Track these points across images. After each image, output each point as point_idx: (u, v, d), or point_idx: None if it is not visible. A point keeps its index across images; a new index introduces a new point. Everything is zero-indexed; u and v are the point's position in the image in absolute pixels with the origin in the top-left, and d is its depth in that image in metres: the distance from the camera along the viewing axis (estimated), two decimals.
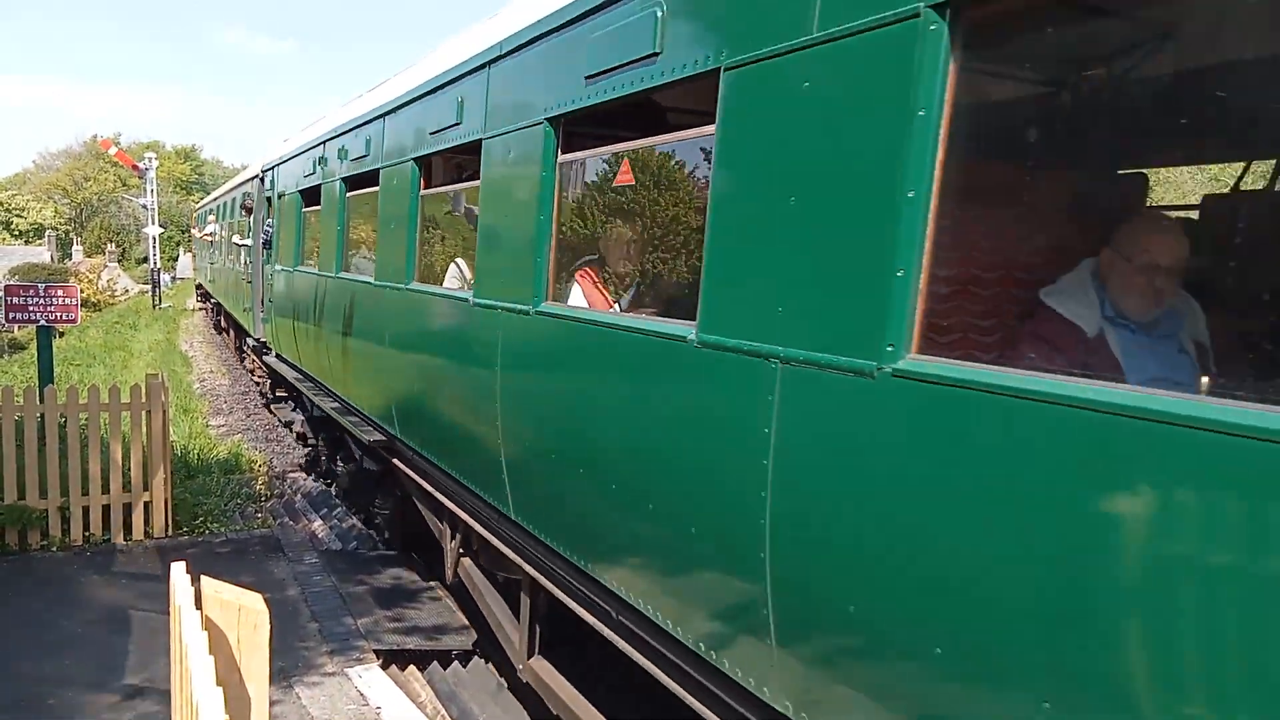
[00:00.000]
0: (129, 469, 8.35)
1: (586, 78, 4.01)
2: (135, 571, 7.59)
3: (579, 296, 4.64)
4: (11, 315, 10.49)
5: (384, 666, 6.35)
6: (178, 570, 3.62)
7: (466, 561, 6.62)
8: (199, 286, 37.57)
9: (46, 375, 10.15)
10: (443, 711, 6.19)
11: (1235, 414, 1.76)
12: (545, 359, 4.48)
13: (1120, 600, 1.95)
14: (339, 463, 10.10)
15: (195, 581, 3.36)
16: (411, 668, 6.70)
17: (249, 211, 15.72)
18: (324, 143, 9.39)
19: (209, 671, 2.70)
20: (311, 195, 10.05)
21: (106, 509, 8.28)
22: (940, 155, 2.33)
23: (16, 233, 76.34)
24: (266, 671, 3.08)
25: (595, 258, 4.87)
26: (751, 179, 3.03)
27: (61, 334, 24.77)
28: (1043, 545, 2.04)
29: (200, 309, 36.94)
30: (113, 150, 50.89)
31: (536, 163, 4.43)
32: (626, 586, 3.93)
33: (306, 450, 12.67)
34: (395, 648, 6.69)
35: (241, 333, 18.86)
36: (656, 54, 3.49)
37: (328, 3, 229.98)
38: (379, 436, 7.52)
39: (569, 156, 4.41)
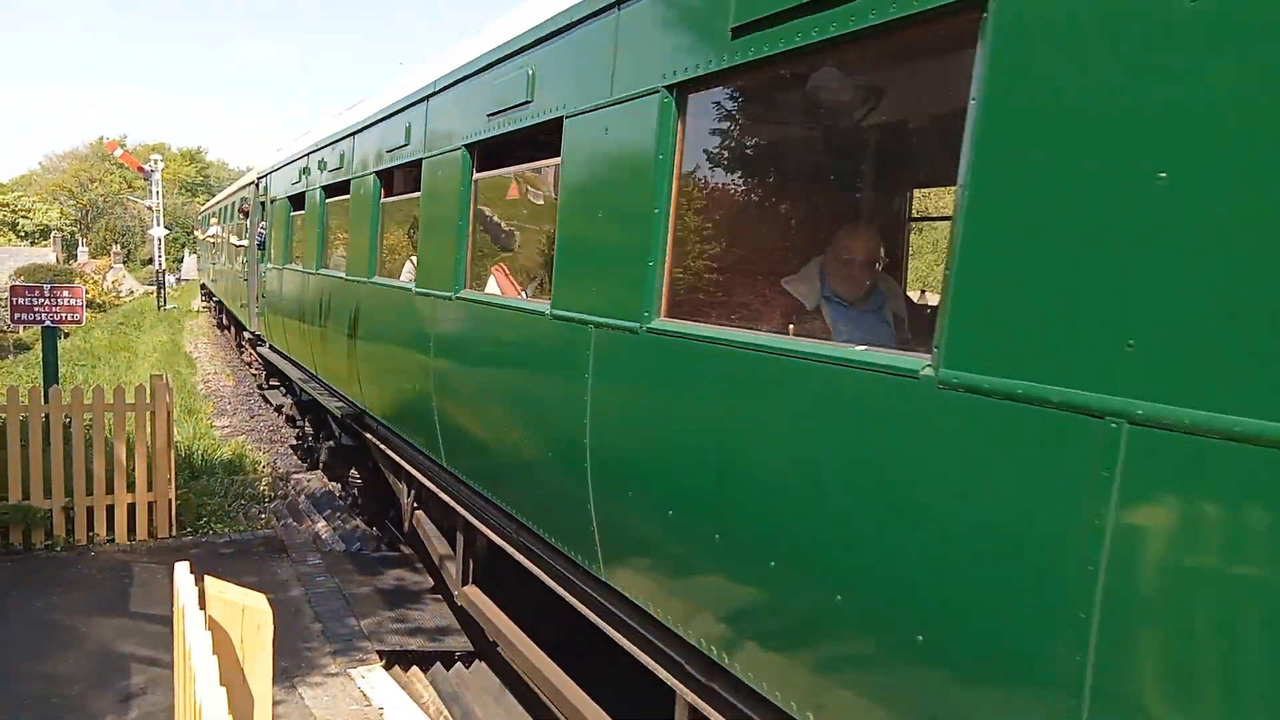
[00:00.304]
0: (133, 469, 8.37)
1: (488, 115, 5.27)
2: (139, 572, 7.61)
3: (494, 286, 5.73)
4: (17, 316, 10.55)
5: (387, 667, 6.36)
6: (181, 570, 3.62)
7: (420, 514, 7.54)
8: (203, 287, 38.28)
9: (51, 376, 10.19)
10: (445, 712, 6.19)
11: (847, 353, 2.72)
12: (463, 332, 5.69)
13: (755, 465, 3.12)
14: (321, 440, 11.13)
15: (199, 581, 3.36)
16: (415, 669, 6.70)
17: (246, 215, 16.99)
18: (307, 155, 10.64)
19: (212, 671, 2.71)
20: (297, 201, 11.30)
21: (111, 509, 8.30)
22: (675, 184, 3.57)
23: (23, 234, 76.53)
24: (270, 672, 3.09)
25: (510, 255, 6.14)
26: (579, 198, 4.27)
27: (66, 335, 24.83)
28: (717, 434, 3.29)
29: (204, 308, 37.09)
30: (118, 152, 50.98)
31: (458, 179, 5.64)
32: (516, 508, 5.10)
33: (295, 431, 13.61)
34: (398, 649, 6.70)
35: (240, 327, 20.20)
36: (529, 101, 4.78)
37: (334, 13, 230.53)
38: (350, 411, 8.59)
39: (481, 175, 5.61)
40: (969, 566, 2.32)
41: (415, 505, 7.51)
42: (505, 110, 5.03)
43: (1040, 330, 2.10)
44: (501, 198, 5.98)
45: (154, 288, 43.06)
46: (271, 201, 13.29)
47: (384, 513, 9.39)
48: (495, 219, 6.09)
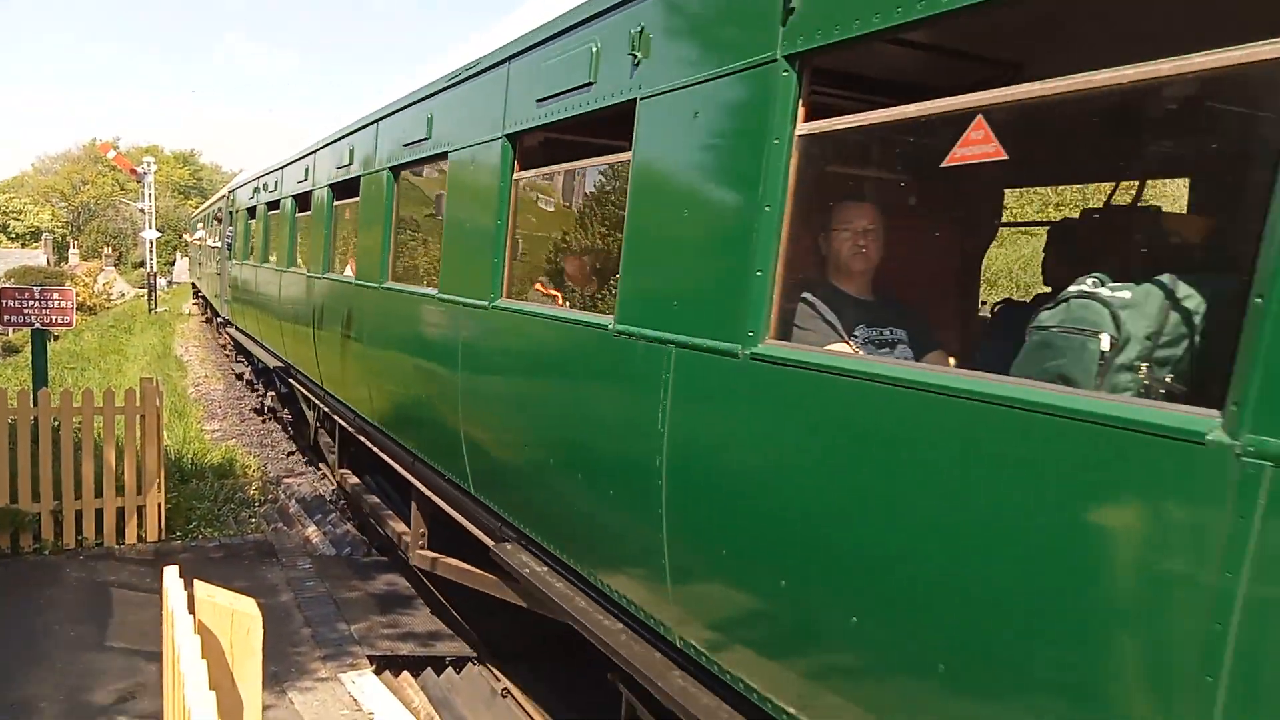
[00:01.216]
0: (122, 473, 8.32)
1: (338, 167, 8.96)
2: (128, 576, 7.56)
3: (349, 272, 8.54)
4: (7, 318, 10.48)
5: (378, 672, 6.33)
6: (170, 574, 3.60)
7: (323, 430, 10.69)
8: (194, 286, 38.80)
9: (41, 378, 10.14)
10: (436, 717, 6.16)
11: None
12: (325, 299, 9.10)
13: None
14: (269, 394, 15.03)
15: (188, 586, 3.34)
16: (405, 674, 6.67)
17: (220, 221, 21.08)
18: (259, 178, 14.51)
19: (201, 675, 2.69)
20: (251, 212, 15.15)
21: (100, 513, 8.25)
22: (394, 217, 7.15)
23: (13, 235, 76.14)
24: (259, 676, 3.07)
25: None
26: (364, 221, 7.67)
27: (56, 337, 24.69)
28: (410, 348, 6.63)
29: (195, 307, 37.04)
30: (111, 154, 50.87)
31: (326, 206, 9.29)
32: (348, 400, 8.51)
33: (256, 394, 17.16)
34: (389, 654, 6.67)
35: (216, 314, 25.06)
36: (351, 164, 8.29)
37: (329, 17, 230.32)
38: (280, 365, 12.15)
39: (337, 203, 9.19)
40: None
41: (319, 425, 10.92)
42: (343, 166, 8.58)
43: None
44: (345, 217, 9.06)
45: (145, 291, 42.88)
46: (235, 212, 17.45)
47: (307, 439, 12.39)
48: (349, 231, 9.00)
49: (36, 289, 10.69)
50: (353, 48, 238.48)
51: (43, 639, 6.28)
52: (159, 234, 46.40)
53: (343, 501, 10.46)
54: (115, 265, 61.29)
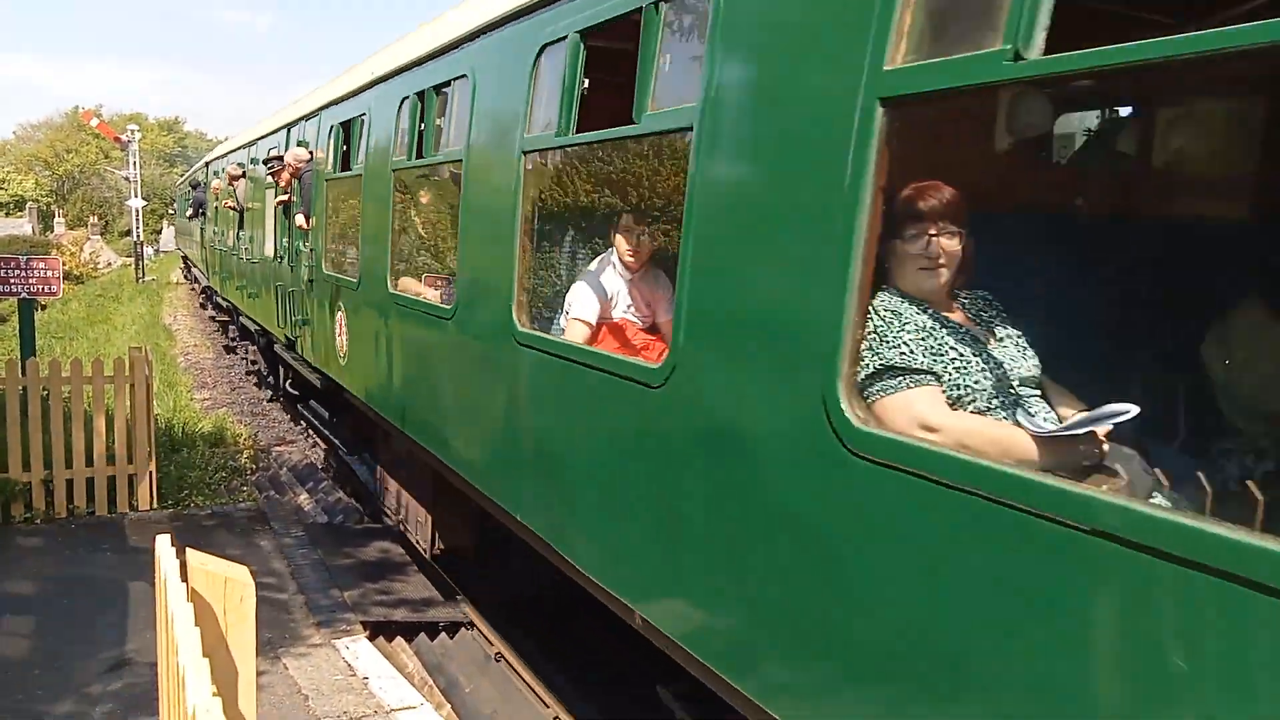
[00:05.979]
0: (113, 442, 8.31)
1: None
2: (119, 545, 7.57)
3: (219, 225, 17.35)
4: None
5: (371, 638, 6.37)
6: (163, 542, 3.60)
7: (205, 280, 22.86)
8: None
9: (28, 348, 10.09)
10: (430, 682, 6.22)
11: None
12: (231, 255, 17.50)
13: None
14: (205, 297, 25.46)
15: (181, 554, 3.35)
16: (399, 639, 6.72)
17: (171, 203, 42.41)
18: (187, 178, 32.31)
19: (195, 643, 2.70)
20: (186, 204, 30.14)
21: (90, 482, 8.25)
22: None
23: None
24: (253, 643, 3.08)
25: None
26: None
27: (43, 307, 24.49)
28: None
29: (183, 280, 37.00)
30: (94, 122, 50.08)
31: (229, 195, 18.59)
32: (216, 270, 20.90)
33: (200, 296, 29.00)
34: (382, 620, 6.71)
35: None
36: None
37: None
38: (208, 283, 23.83)
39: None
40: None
41: (206, 280, 23.05)
42: (205, 179, 22.19)
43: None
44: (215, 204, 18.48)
45: (132, 259, 42.55)
46: (182, 196, 33.40)
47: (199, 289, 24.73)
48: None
49: (22, 259, 10.61)
50: (329, 5, 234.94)
51: (36, 606, 6.29)
52: (145, 202, 45.97)
53: (334, 469, 10.57)
54: (101, 234, 60.67)
